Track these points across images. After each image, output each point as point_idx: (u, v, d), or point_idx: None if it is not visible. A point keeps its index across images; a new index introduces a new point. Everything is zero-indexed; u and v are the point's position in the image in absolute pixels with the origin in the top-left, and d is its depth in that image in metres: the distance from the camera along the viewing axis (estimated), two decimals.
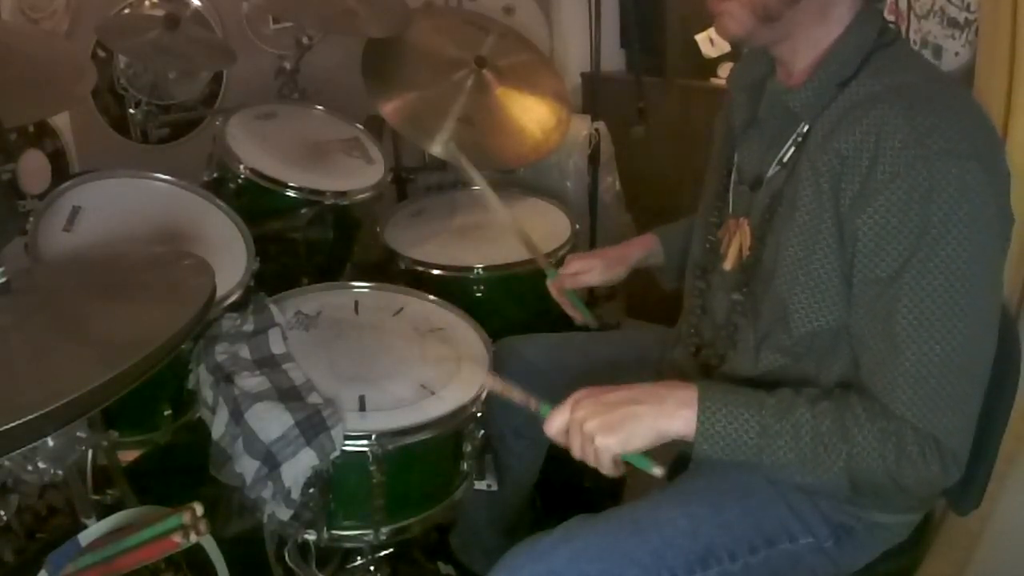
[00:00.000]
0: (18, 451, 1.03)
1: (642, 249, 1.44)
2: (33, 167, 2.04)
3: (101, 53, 2.23)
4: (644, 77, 2.25)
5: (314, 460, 1.16)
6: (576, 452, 0.98)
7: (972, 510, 1.12)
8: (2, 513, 1.16)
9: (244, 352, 1.33)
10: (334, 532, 1.27)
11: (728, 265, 1.12)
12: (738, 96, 1.14)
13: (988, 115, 0.98)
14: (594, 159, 2.19)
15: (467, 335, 1.46)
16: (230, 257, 1.51)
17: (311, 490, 1.20)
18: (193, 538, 1.06)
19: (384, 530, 1.28)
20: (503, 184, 2.19)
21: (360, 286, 1.59)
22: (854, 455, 0.92)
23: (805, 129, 1.01)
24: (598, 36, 2.14)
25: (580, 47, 2.51)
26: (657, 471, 0.96)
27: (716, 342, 1.15)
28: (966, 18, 1.52)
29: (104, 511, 1.15)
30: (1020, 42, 1.34)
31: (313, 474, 1.18)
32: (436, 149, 1.87)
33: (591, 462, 0.97)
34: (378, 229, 1.86)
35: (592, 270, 1.41)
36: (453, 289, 1.65)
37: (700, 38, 2.43)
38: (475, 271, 1.71)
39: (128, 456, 1.60)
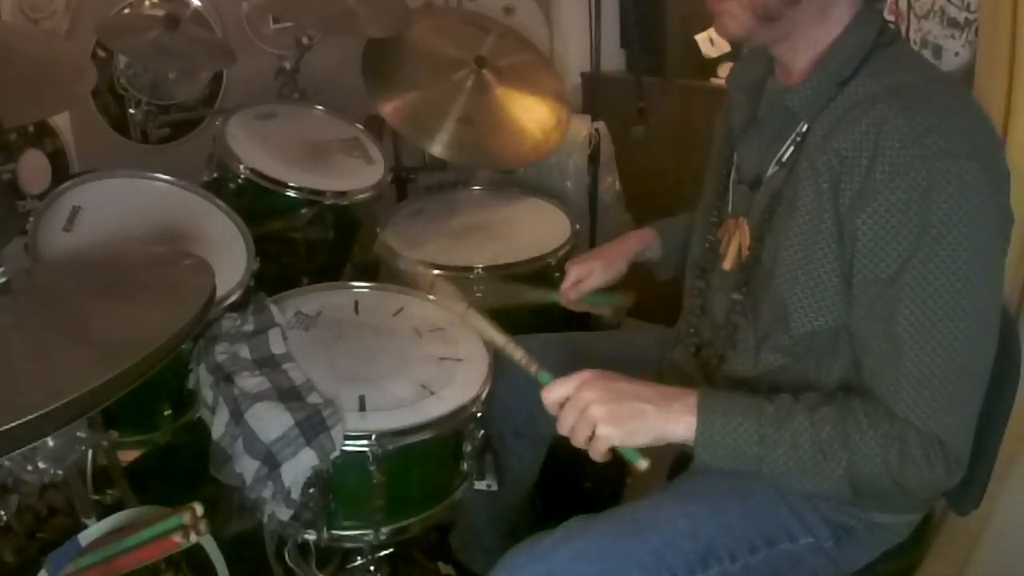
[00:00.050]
0: (18, 451, 1.03)
1: (639, 242, 1.43)
2: (33, 167, 2.04)
3: (101, 53, 2.23)
4: (644, 77, 2.24)
5: (314, 460, 1.16)
6: (564, 428, 0.98)
7: (972, 510, 1.12)
8: (2, 513, 1.16)
9: (244, 352, 1.33)
10: (334, 532, 1.27)
11: (727, 265, 1.12)
12: (737, 96, 1.14)
13: (988, 115, 0.98)
14: (594, 159, 2.19)
15: (467, 335, 1.46)
16: (230, 257, 1.51)
17: (311, 490, 1.20)
18: (193, 538, 1.06)
19: (384, 530, 1.28)
20: (503, 184, 2.20)
21: (360, 286, 1.59)
22: (855, 462, 0.92)
23: (804, 129, 1.01)
24: (598, 36, 2.14)
25: (580, 47, 2.51)
26: (643, 464, 0.96)
27: (716, 342, 1.15)
28: (966, 18, 1.52)
29: (104, 511, 1.15)
30: (1020, 42, 1.34)
31: (313, 474, 1.18)
32: (436, 149, 1.87)
33: (577, 442, 0.97)
34: (378, 229, 1.86)
35: (592, 273, 1.41)
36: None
37: (700, 38, 2.43)
38: (475, 271, 1.71)
39: (128, 456, 1.60)
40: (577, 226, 1.91)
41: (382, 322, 1.48)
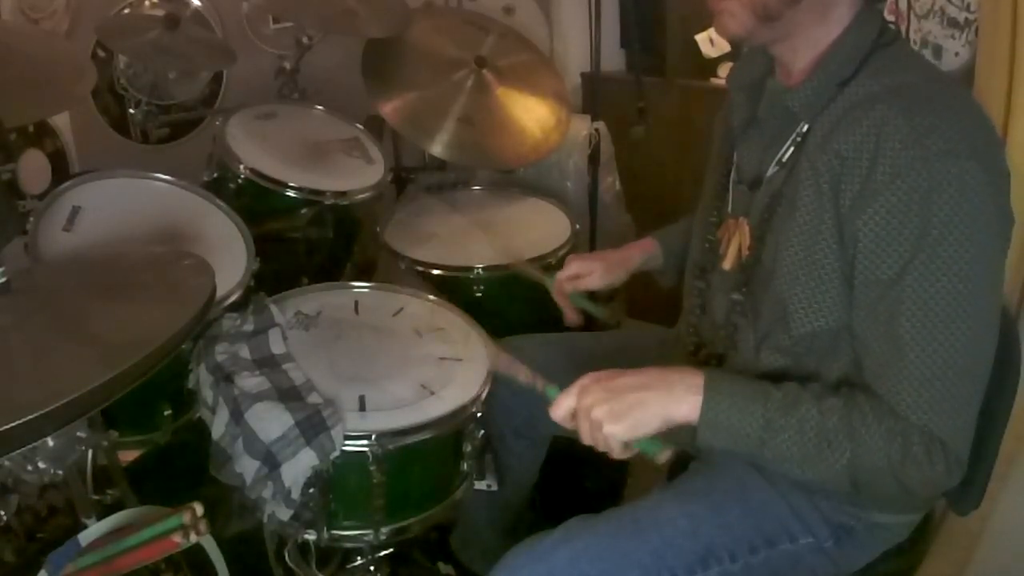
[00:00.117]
0: (18, 451, 1.03)
1: (642, 253, 1.44)
2: (33, 167, 2.04)
3: (101, 53, 2.24)
4: (644, 77, 2.24)
5: (314, 460, 1.16)
6: (585, 437, 0.99)
7: (972, 510, 1.11)
8: (2, 513, 1.16)
9: (244, 352, 1.32)
10: (334, 532, 1.27)
11: (727, 265, 1.12)
12: (737, 96, 1.14)
13: (988, 115, 0.98)
14: (594, 159, 2.19)
15: (467, 335, 1.46)
16: (230, 257, 1.51)
17: (311, 490, 1.20)
18: (193, 538, 1.06)
19: (384, 530, 1.28)
20: (503, 184, 2.20)
21: (360, 286, 1.59)
22: (859, 454, 0.92)
23: (804, 129, 1.01)
24: (598, 36, 2.14)
25: (580, 47, 2.51)
26: (664, 456, 0.96)
27: (715, 342, 1.15)
28: (966, 18, 1.52)
29: (104, 511, 1.15)
30: (1020, 42, 1.34)
31: (313, 474, 1.18)
32: (436, 149, 1.87)
33: (600, 447, 0.98)
34: (378, 229, 1.86)
35: (592, 273, 1.41)
36: (453, 289, 1.65)
37: (700, 38, 2.43)
38: (475, 271, 1.71)
39: (128, 456, 1.60)
40: (577, 226, 1.91)
41: (382, 322, 1.48)
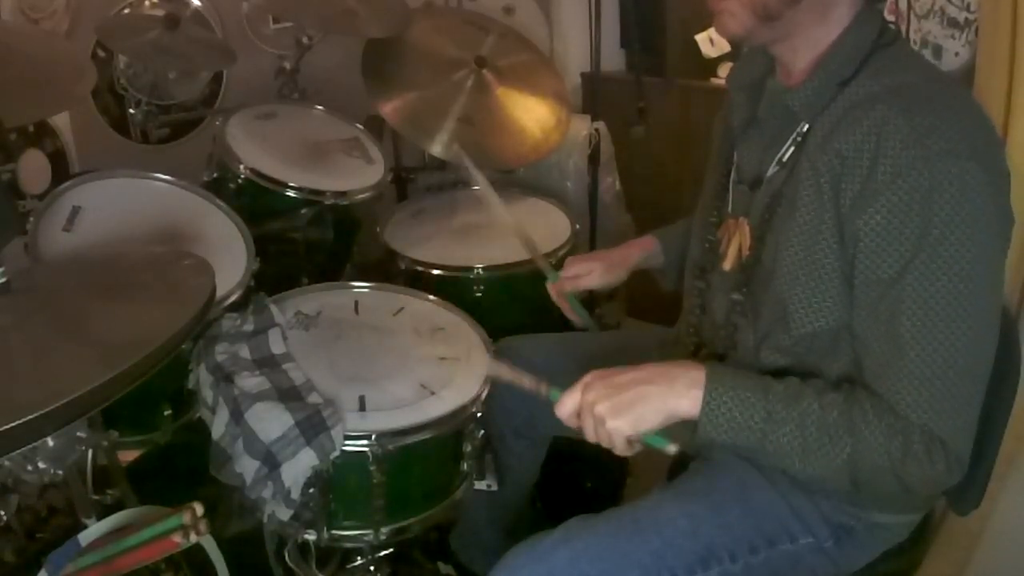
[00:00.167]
0: (18, 451, 1.03)
1: (642, 251, 1.44)
2: (33, 167, 2.04)
3: (101, 53, 2.23)
4: (644, 77, 2.24)
5: (314, 460, 1.16)
6: (589, 435, 0.99)
7: (972, 510, 1.12)
8: (2, 513, 1.16)
9: (244, 352, 1.33)
10: (334, 532, 1.27)
11: (727, 265, 1.12)
12: (737, 96, 1.14)
13: (988, 115, 0.98)
14: (594, 159, 2.19)
15: (467, 335, 1.46)
16: (230, 257, 1.51)
17: (311, 490, 1.20)
18: (193, 538, 1.06)
19: (384, 530, 1.28)
20: (503, 184, 2.19)
21: (360, 286, 1.59)
22: (859, 449, 0.92)
23: (805, 129, 1.01)
24: (598, 36, 2.14)
25: (580, 47, 2.51)
26: (672, 449, 0.96)
27: (715, 342, 1.15)
28: (966, 18, 1.52)
29: (104, 511, 1.15)
30: (1020, 42, 1.34)
31: (313, 474, 1.18)
32: (436, 149, 1.87)
33: (605, 444, 0.98)
34: (378, 229, 1.86)
35: (592, 273, 1.41)
36: (453, 289, 1.65)
37: (700, 38, 2.43)
38: (475, 271, 1.71)
39: (128, 456, 1.60)
40: (577, 226, 1.91)
41: (382, 322, 1.48)
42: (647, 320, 2.15)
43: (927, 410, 0.91)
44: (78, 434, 1.11)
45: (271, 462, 1.17)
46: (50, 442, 1.06)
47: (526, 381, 1.07)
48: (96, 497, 1.31)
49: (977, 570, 1.47)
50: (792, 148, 1.03)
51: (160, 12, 2.07)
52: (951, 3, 1.55)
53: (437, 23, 2.15)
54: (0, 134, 1.31)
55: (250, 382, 1.25)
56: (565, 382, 1.03)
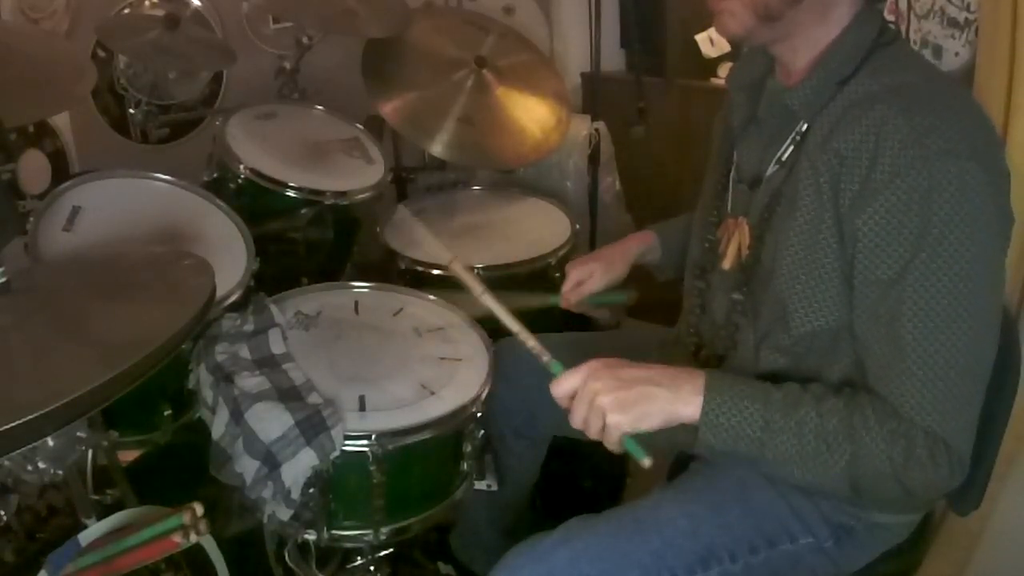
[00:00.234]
0: (18, 451, 1.03)
1: (640, 244, 1.43)
2: (33, 167, 2.04)
3: (101, 53, 2.24)
4: (644, 77, 2.25)
5: (314, 460, 1.16)
6: (577, 421, 0.97)
7: (972, 510, 1.12)
8: (2, 513, 1.16)
9: (244, 352, 1.32)
10: (334, 532, 1.27)
11: (727, 265, 1.12)
12: (737, 95, 1.14)
13: (988, 115, 0.98)
14: (594, 159, 2.19)
15: (467, 335, 1.46)
16: (230, 257, 1.51)
17: (311, 490, 1.20)
18: (193, 538, 1.06)
19: (384, 530, 1.28)
20: (503, 184, 2.20)
21: (360, 286, 1.59)
22: (860, 455, 0.91)
23: (804, 128, 1.01)
24: (598, 36, 2.14)
25: (580, 47, 2.52)
26: (647, 462, 0.95)
27: (716, 342, 1.15)
28: (966, 18, 1.52)
29: (104, 511, 1.15)
30: (1020, 42, 1.34)
31: (313, 474, 1.18)
32: (436, 149, 1.87)
33: (592, 434, 0.97)
34: (378, 229, 1.86)
35: (593, 275, 1.40)
36: (453, 289, 1.65)
37: (700, 38, 2.43)
38: (475, 271, 1.71)
39: (128, 456, 1.60)
40: (577, 226, 1.91)
41: (382, 322, 1.48)
42: (647, 320, 2.15)
43: (931, 412, 0.91)
44: (78, 434, 1.11)
45: (271, 462, 1.17)
46: (50, 442, 1.06)
47: (532, 343, 1.05)
48: (96, 497, 1.31)
49: (977, 570, 1.47)
50: (791, 147, 1.03)
51: (160, 12, 2.07)
52: (951, 3, 1.55)
53: (437, 23, 2.15)
54: (0, 134, 1.31)
55: (250, 382, 1.25)
56: None
